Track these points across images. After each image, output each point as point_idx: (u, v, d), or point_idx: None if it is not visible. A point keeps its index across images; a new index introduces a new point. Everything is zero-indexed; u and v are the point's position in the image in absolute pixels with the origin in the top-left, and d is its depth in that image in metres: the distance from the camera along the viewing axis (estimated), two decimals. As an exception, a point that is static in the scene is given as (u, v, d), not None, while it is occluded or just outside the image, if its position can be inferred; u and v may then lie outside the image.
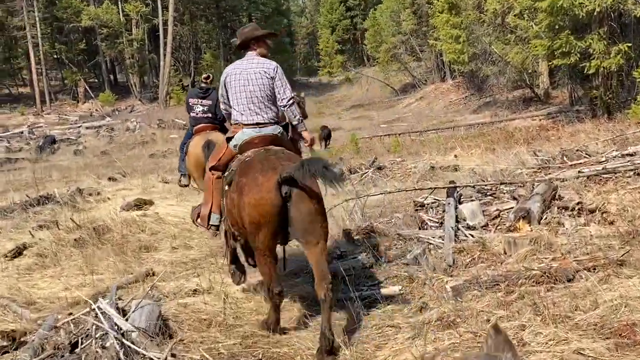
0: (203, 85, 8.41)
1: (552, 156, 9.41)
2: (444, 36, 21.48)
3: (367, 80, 33.29)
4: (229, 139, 4.94)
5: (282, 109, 4.96)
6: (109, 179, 13.93)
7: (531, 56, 19.11)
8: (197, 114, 8.28)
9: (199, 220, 5.16)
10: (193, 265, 6.07)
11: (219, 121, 8.16)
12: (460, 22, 20.87)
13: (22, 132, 25.68)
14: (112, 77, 50.28)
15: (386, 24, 34.50)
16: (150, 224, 8.07)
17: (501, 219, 6.18)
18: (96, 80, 46.56)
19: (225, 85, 5.02)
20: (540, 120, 16.59)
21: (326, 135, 18.13)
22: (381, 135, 17.04)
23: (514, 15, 17.79)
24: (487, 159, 11.86)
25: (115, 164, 17.13)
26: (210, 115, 8.14)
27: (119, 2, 40.44)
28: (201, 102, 8.30)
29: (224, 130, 7.79)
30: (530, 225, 5.68)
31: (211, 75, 8.91)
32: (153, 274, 5.83)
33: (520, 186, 7.00)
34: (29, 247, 6.90)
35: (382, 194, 7.91)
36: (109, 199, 11.93)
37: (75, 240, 6.99)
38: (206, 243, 6.90)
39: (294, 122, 5.00)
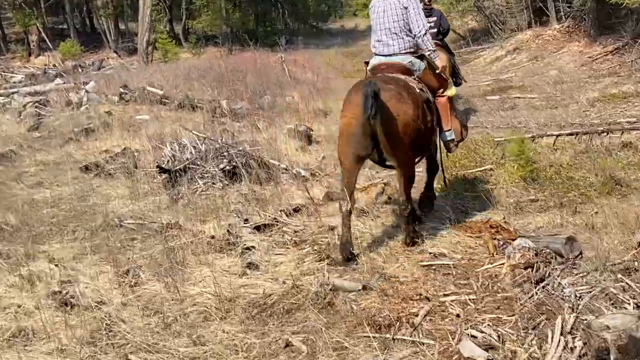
0: (426, 6, 9.47)
1: None
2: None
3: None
4: (367, 63, 5.71)
5: (417, 39, 5.38)
6: None
7: None
8: None
9: None
10: None
11: (441, 36, 10.11)
12: None
13: None
14: (87, 21, 40.81)
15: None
16: None
17: None
18: (66, 27, 37.08)
19: (369, 16, 5.63)
20: None
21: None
22: (557, 135, 8.06)
23: None
24: None
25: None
26: (435, 30, 9.70)
27: None
28: (427, 19, 8.13)
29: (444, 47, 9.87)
30: None
31: None
32: None
33: None
34: None
35: None
36: None
37: None
38: None
39: (426, 53, 5.47)
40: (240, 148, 8.26)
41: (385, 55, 5.43)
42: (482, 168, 7.70)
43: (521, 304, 4.02)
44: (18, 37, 34.29)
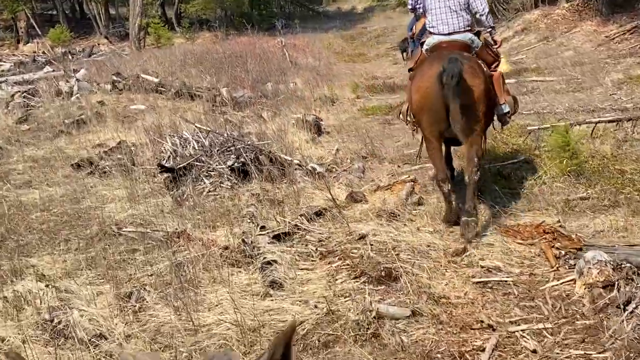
0: None
1: None
2: None
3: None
4: (422, 44, 5.64)
5: (479, 17, 5.52)
6: None
7: None
8: None
9: (400, 116, 5.99)
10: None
11: None
12: None
13: None
14: (77, 7, 39.74)
15: None
16: None
17: None
18: (55, 13, 36.02)
19: None
20: None
21: None
22: (596, 122, 7.32)
23: None
24: None
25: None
26: None
27: None
28: None
29: None
30: None
31: None
32: None
33: None
34: None
35: None
36: None
37: None
38: None
39: (488, 30, 5.69)
40: (248, 142, 7.51)
41: (445, 34, 5.43)
42: (516, 160, 6.98)
43: (611, 336, 3.32)
44: (6, 24, 33.31)
